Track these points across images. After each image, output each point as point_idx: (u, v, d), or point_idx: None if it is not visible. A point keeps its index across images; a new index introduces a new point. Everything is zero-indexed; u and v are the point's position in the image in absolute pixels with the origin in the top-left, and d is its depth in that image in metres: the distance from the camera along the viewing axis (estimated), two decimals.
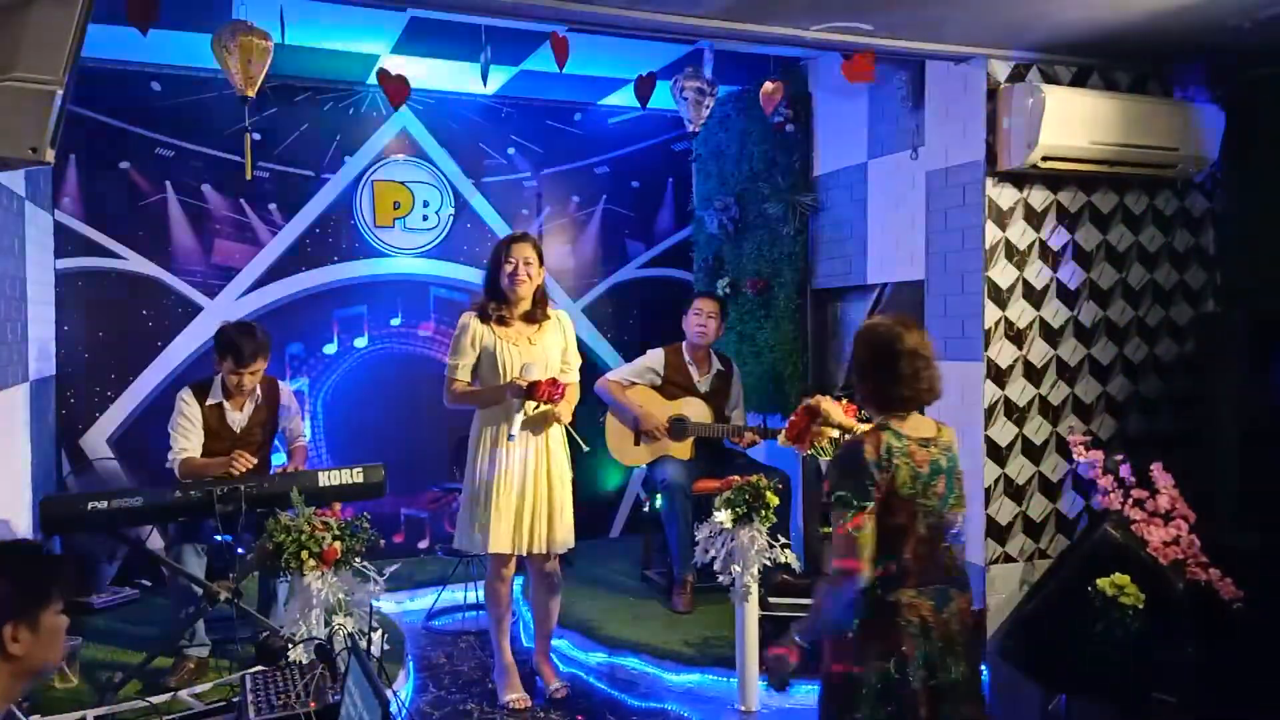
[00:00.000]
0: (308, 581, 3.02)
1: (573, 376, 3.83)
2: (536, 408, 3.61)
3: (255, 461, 3.91)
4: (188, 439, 3.92)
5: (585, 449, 3.80)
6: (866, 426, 2.59)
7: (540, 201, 5.99)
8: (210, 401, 4.00)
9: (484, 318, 3.69)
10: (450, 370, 3.71)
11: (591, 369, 4.07)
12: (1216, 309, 4.23)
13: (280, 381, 4.30)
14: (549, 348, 3.72)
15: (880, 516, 2.24)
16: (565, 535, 3.74)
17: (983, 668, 2.37)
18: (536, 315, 3.72)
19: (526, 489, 3.66)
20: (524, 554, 3.70)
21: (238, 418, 4.04)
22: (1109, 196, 4.02)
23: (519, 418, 3.56)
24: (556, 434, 3.75)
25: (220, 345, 3.96)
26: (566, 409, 3.73)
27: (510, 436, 3.57)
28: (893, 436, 2.29)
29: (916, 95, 4.22)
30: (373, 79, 4.93)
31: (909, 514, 2.26)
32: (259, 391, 4.08)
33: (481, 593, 4.94)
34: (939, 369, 2.37)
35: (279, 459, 4.35)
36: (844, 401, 3.18)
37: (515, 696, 3.78)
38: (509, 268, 3.63)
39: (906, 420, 2.34)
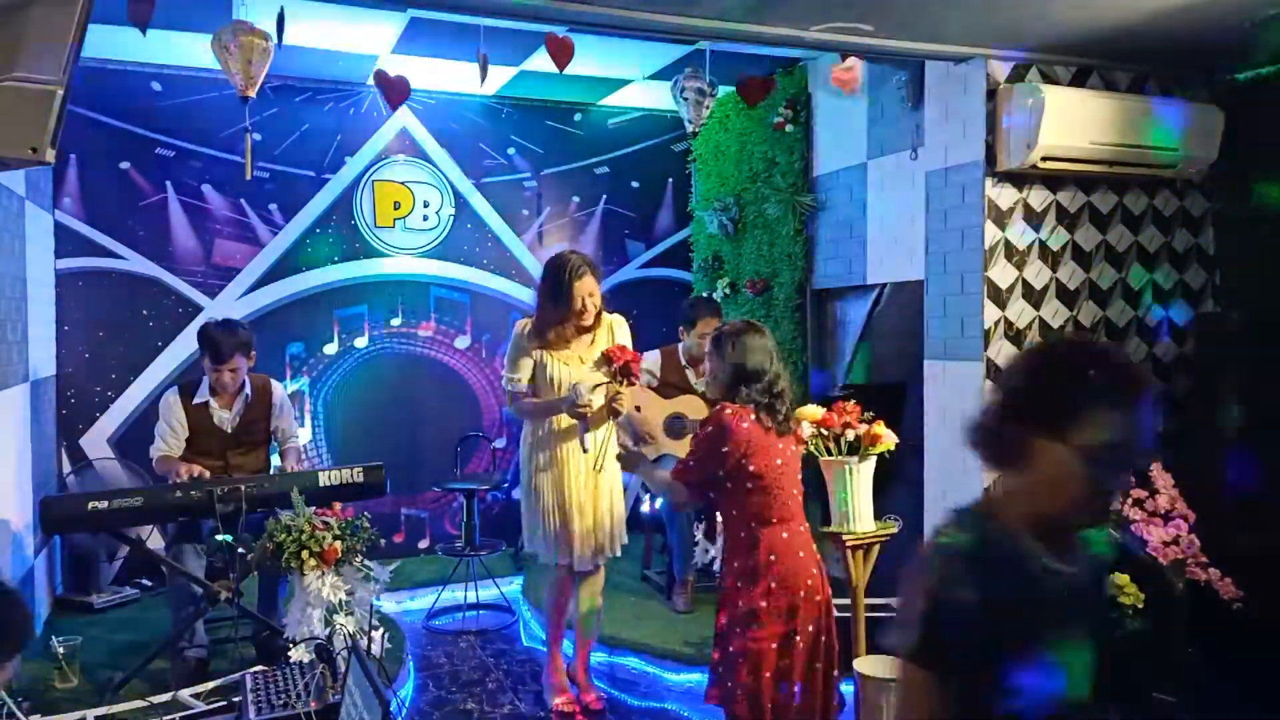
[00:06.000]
0: (308, 581, 3.02)
1: None
2: (614, 376, 3.53)
3: (206, 473, 3.79)
4: (165, 440, 3.94)
5: (585, 450, 3.76)
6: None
7: (540, 202, 5.99)
8: (197, 401, 4.00)
9: (541, 339, 3.62)
10: (509, 383, 3.66)
11: None
12: (1216, 309, 4.23)
13: (274, 381, 4.29)
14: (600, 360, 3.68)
15: None
16: (616, 544, 3.72)
17: None
18: (591, 327, 3.68)
19: (585, 500, 3.62)
20: (581, 567, 3.67)
21: (226, 417, 4.02)
22: (1108, 196, 4.02)
23: (589, 434, 3.54)
24: (613, 445, 3.67)
25: (200, 343, 3.98)
26: (629, 398, 3.66)
27: (585, 449, 3.56)
28: None
29: (916, 95, 4.22)
30: (372, 79, 4.93)
31: None
32: (249, 391, 4.06)
33: (483, 593, 4.96)
34: None
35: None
36: (849, 402, 3.18)
37: (564, 699, 3.74)
38: (577, 305, 3.56)
39: None
